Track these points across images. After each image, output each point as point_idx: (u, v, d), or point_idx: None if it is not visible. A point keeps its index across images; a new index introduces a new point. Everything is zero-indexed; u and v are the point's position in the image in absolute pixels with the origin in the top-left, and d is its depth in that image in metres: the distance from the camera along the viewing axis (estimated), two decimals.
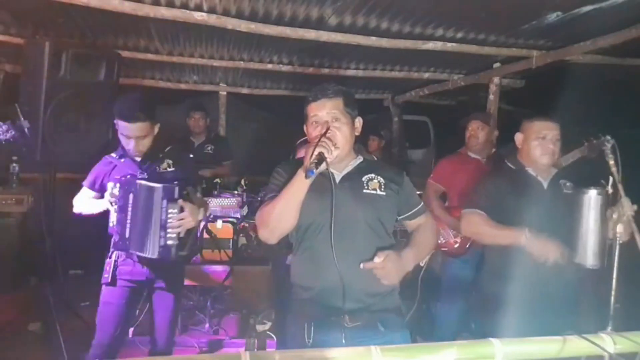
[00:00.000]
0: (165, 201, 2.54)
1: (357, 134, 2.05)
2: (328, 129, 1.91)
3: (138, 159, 2.72)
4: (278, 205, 1.91)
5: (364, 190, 1.98)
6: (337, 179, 1.98)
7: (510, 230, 2.44)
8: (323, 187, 1.93)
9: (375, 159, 2.13)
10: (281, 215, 1.92)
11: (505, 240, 2.47)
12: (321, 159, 1.81)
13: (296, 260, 2.08)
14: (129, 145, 2.63)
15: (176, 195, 2.57)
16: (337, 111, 1.96)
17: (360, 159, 2.07)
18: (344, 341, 1.88)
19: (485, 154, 3.82)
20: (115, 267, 2.64)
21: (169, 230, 2.55)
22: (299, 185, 1.87)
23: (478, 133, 3.77)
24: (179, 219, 2.56)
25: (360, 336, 1.89)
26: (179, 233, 2.58)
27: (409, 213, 2.09)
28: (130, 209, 2.57)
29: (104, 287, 2.66)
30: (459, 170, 3.74)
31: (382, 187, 2.01)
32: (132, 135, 2.60)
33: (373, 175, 2.03)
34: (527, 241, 2.37)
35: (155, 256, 2.56)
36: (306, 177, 1.81)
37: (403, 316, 2.05)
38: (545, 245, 2.34)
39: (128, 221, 2.57)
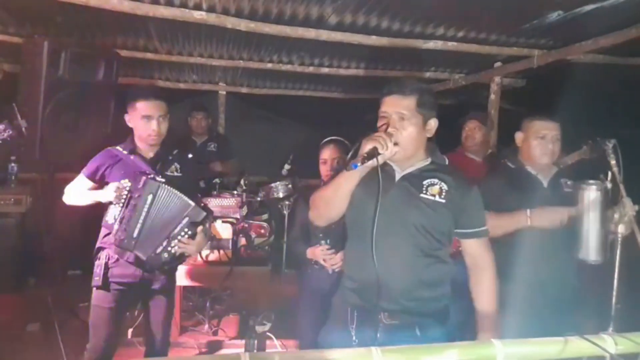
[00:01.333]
0: (187, 219, 2.52)
1: (429, 135, 1.98)
2: (388, 125, 1.89)
3: (151, 154, 2.69)
4: (327, 192, 1.98)
5: (421, 195, 1.92)
6: (397, 177, 1.95)
7: (511, 215, 2.46)
8: (383, 183, 1.88)
9: (447, 161, 2.06)
10: (328, 202, 1.98)
11: (510, 225, 2.48)
12: (372, 153, 1.77)
13: (347, 249, 2.11)
14: (151, 127, 2.59)
15: (199, 219, 2.55)
16: (406, 110, 1.90)
17: (427, 161, 2.00)
18: (378, 335, 1.88)
19: (482, 155, 3.80)
20: (106, 269, 2.58)
21: (172, 244, 2.54)
22: (346, 176, 1.89)
23: (475, 133, 3.75)
24: (186, 242, 2.55)
25: (395, 335, 1.87)
26: (176, 252, 2.57)
27: (467, 230, 1.99)
28: (145, 209, 2.51)
29: (94, 289, 2.60)
30: None
31: (444, 193, 1.93)
32: (155, 113, 2.59)
33: (436, 180, 1.95)
34: (532, 218, 2.40)
35: (144, 257, 2.54)
36: (347, 169, 1.83)
37: (446, 324, 1.99)
38: (550, 213, 2.38)
39: (140, 221, 2.52)
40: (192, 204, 2.53)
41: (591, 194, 2.18)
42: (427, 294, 1.94)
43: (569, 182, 2.55)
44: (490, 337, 1.93)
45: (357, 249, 1.99)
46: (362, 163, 1.78)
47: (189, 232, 2.54)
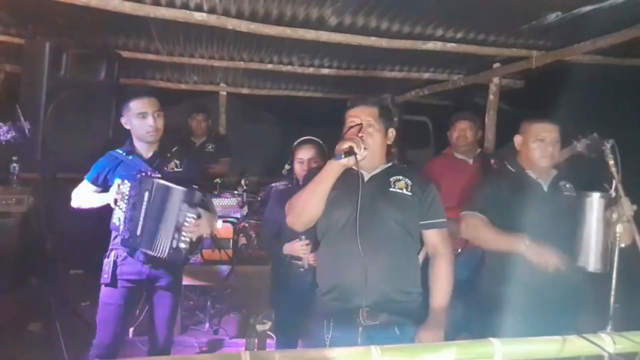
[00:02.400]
0: (185, 204, 2.55)
1: (389, 142, 2.17)
2: (361, 128, 2.04)
3: (149, 154, 2.73)
4: (306, 191, 2.06)
5: (390, 189, 2.08)
6: (365, 178, 2.09)
7: (510, 237, 2.41)
8: (350, 185, 2.02)
9: (405, 166, 2.27)
10: (307, 201, 2.05)
11: (505, 246, 2.44)
12: (350, 151, 1.92)
13: (320, 257, 2.20)
14: (148, 124, 2.63)
15: (196, 200, 2.57)
16: (371, 118, 2.09)
17: (389, 164, 2.17)
18: (359, 340, 1.94)
19: (471, 155, 3.81)
20: (115, 266, 2.62)
21: (183, 234, 2.55)
22: (327, 172, 2.00)
23: (467, 133, 3.76)
24: (195, 225, 2.57)
25: (376, 335, 1.93)
26: (191, 238, 2.59)
27: (429, 221, 2.12)
28: (144, 206, 2.56)
29: (103, 287, 2.65)
30: (446, 172, 3.70)
31: (409, 187, 2.09)
32: (150, 109, 2.64)
33: (401, 177, 2.12)
34: (526, 249, 2.34)
35: (164, 256, 2.57)
36: (335, 158, 1.95)
37: (420, 322, 2.07)
38: (545, 253, 2.31)
39: (141, 219, 2.57)
40: (180, 188, 2.55)
41: (594, 202, 2.18)
42: (405, 289, 2.04)
43: (567, 185, 2.53)
44: (439, 333, 2.01)
45: (335, 252, 2.07)
46: (345, 157, 1.92)
47: (193, 215, 2.56)
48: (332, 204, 2.04)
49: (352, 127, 2.05)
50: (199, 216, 2.58)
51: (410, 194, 2.08)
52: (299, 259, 2.92)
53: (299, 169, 3.03)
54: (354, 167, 2.01)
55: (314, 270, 2.87)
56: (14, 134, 2.92)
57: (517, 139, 2.61)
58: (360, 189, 1.98)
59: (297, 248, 2.89)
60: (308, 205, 2.05)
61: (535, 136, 2.51)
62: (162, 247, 2.56)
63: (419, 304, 2.08)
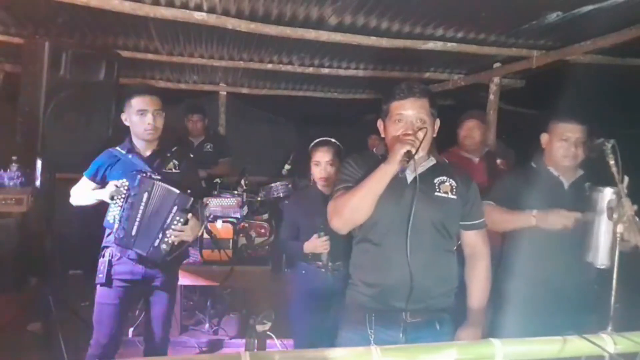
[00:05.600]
0: (176, 207, 2.57)
1: (434, 135, 2.06)
2: (419, 130, 1.94)
3: (148, 152, 2.73)
4: (356, 196, 1.91)
5: (435, 193, 2.00)
6: (409, 179, 1.99)
7: (518, 213, 2.49)
8: (396, 185, 1.93)
9: (447, 161, 2.17)
10: (358, 206, 1.92)
11: (513, 222, 2.52)
12: (410, 157, 1.84)
13: (360, 254, 2.08)
14: (146, 122, 2.63)
15: (188, 206, 2.59)
16: (423, 112, 1.97)
17: (433, 161, 2.07)
18: (401, 335, 1.93)
19: (478, 154, 3.78)
20: (110, 266, 2.63)
21: (167, 235, 2.58)
22: (380, 176, 1.87)
23: (474, 132, 3.73)
24: (180, 230, 2.59)
25: (417, 332, 1.93)
26: (174, 241, 2.61)
27: (469, 222, 2.10)
28: (142, 207, 2.58)
29: (98, 287, 2.65)
30: None
31: (454, 190, 2.02)
32: (150, 108, 2.64)
33: (445, 177, 2.04)
34: (537, 218, 2.41)
35: (144, 253, 2.60)
36: (401, 172, 1.86)
37: (454, 317, 2.07)
38: (555, 215, 2.38)
39: (137, 219, 2.58)
40: (177, 191, 2.57)
41: (605, 197, 2.18)
42: (444, 289, 2.01)
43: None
44: (478, 332, 2.02)
45: (380, 253, 2.00)
46: (407, 164, 1.84)
47: (181, 220, 2.59)
48: (378, 204, 1.94)
49: (419, 129, 1.94)
50: (186, 222, 2.60)
51: (455, 197, 2.02)
52: (319, 258, 2.84)
53: (316, 172, 2.94)
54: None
55: (334, 270, 2.85)
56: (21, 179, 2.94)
57: (544, 138, 2.67)
58: (413, 193, 1.93)
59: (318, 244, 2.79)
60: (359, 209, 1.92)
61: (560, 136, 2.57)
62: (146, 245, 2.59)
63: (454, 299, 2.07)
